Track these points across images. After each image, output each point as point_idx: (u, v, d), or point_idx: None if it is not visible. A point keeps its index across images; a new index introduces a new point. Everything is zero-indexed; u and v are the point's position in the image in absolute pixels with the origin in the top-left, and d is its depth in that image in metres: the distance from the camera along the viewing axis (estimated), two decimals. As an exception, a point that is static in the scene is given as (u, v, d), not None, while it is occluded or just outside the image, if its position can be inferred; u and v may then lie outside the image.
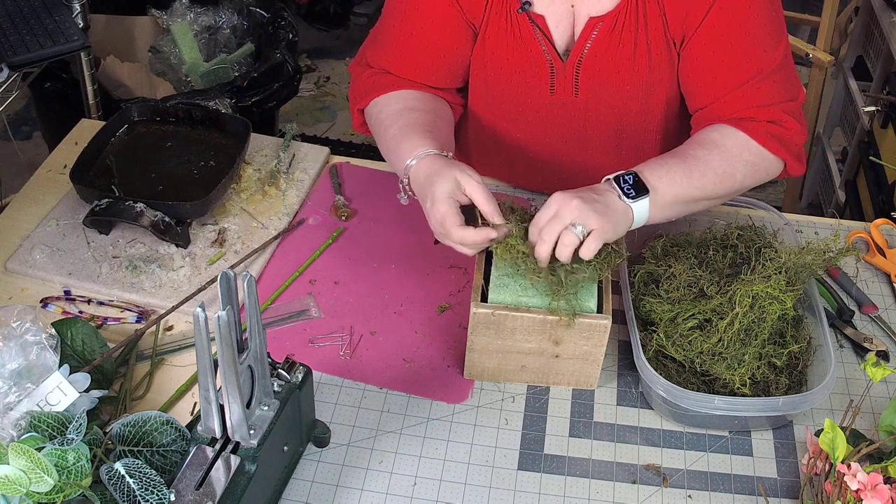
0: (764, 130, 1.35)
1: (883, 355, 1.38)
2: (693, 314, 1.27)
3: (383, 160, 1.67)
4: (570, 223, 1.18)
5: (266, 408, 1.08)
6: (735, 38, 1.33)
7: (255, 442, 1.05)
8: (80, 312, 1.38)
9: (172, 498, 1.01)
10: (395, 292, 1.44)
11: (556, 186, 1.58)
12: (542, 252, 1.19)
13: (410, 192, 1.31)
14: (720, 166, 1.32)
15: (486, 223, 1.23)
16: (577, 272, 1.22)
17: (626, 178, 1.25)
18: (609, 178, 1.26)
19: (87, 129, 1.70)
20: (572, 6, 1.38)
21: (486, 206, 1.22)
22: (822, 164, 2.92)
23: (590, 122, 1.48)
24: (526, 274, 1.23)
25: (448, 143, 1.37)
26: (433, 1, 1.40)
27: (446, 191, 1.22)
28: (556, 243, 1.19)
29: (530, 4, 1.38)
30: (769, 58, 1.34)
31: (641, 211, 1.25)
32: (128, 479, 1.01)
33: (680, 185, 1.28)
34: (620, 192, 1.24)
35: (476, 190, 1.22)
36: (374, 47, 1.49)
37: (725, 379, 1.25)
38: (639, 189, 1.25)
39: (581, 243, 1.18)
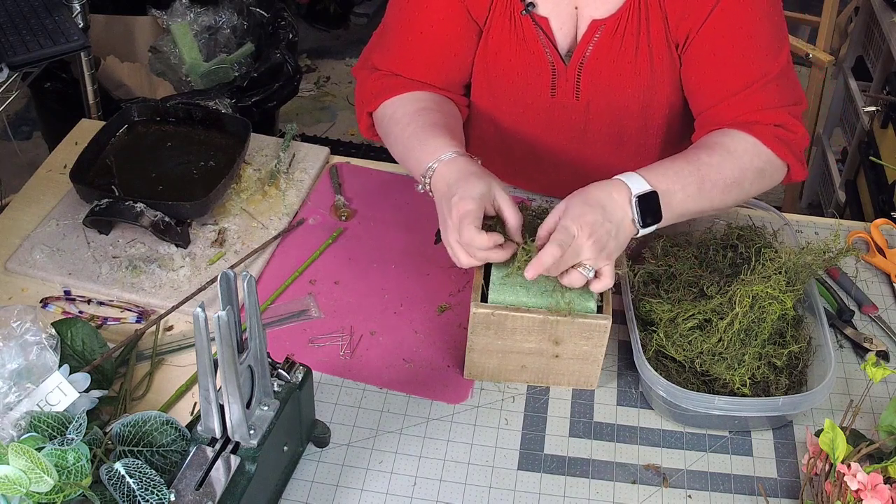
0: (771, 134, 1.34)
1: (883, 355, 1.38)
2: (693, 314, 1.27)
3: (383, 161, 1.68)
4: (583, 263, 1.19)
5: (266, 408, 1.08)
6: (738, 41, 1.33)
7: (255, 442, 1.05)
8: (80, 312, 1.38)
9: (172, 498, 1.01)
10: (395, 292, 1.44)
11: (556, 187, 1.59)
12: (542, 267, 1.18)
13: (429, 188, 1.29)
14: (731, 175, 1.30)
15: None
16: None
17: (647, 199, 1.23)
18: (631, 194, 1.22)
19: (87, 129, 1.70)
20: (576, 8, 1.38)
21: (514, 222, 1.22)
22: (822, 164, 2.92)
23: (590, 123, 1.47)
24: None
25: (463, 146, 1.37)
26: (440, 0, 1.40)
27: (480, 191, 1.21)
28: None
29: (534, 6, 1.38)
30: (772, 62, 1.34)
31: (644, 233, 1.25)
32: (128, 479, 1.01)
33: (691, 200, 1.27)
34: (637, 215, 1.22)
35: (508, 205, 1.23)
36: (381, 50, 1.48)
37: (725, 379, 1.25)
38: (653, 214, 1.23)
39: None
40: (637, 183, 1.23)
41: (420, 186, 1.31)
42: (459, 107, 1.51)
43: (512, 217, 1.23)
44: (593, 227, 1.18)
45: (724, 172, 1.30)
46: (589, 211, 1.19)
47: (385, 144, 1.44)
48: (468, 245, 1.20)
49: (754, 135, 1.33)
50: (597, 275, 1.21)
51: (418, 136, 1.35)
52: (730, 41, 1.33)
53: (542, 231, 1.21)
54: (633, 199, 1.22)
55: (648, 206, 1.23)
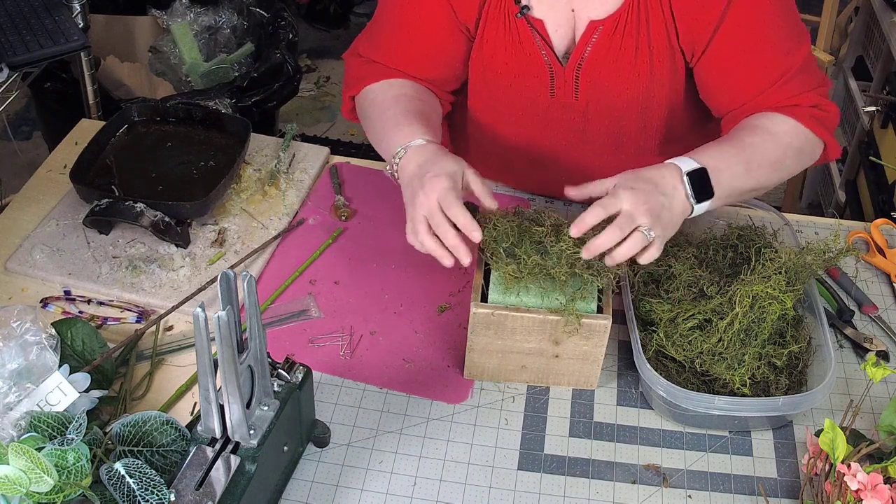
0: (808, 115, 1.37)
1: (883, 355, 1.38)
2: (693, 314, 1.27)
3: (383, 160, 1.68)
4: (641, 227, 1.17)
5: (266, 408, 1.08)
6: (760, 39, 1.34)
7: (255, 442, 1.05)
8: (80, 312, 1.38)
9: (172, 498, 1.01)
10: (395, 292, 1.44)
11: (555, 187, 1.59)
12: (604, 245, 1.16)
13: (397, 174, 1.31)
14: (773, 154, 1.33)
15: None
16: (601, 274, 1.22)
17: (698, 176, 1.24)
18: (682, 172, 1.23)
19: (87, 129, 1.70)
20: (573, 10, 1.38)
21: (485, 198, 1.24)
22: (823, 164, 2.91)
23: (590, 124, 1.47)
24: (535, 275, 1.22)
25: (439, 135, 1.38)
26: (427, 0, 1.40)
27: (453, 169, 1.23)
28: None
29: (529, 9, 1.38)
30: (795, 56, 1.36)
31: (700, 211, 1.26)
32: (128, 479, 1.01)
33: (739, 179, 1.29)
34: (689, 191, 1.23)
35: (476, 180, 1.25)
36: (368, 41, 1.50)
37: (725, 379, 1.25)
38: (705, 190, 1.24)
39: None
40: (685, 162, 1.25)
41: (388, 168, 1.32)
42: (441, 100, 1.51)
43: (481, 190, 1.25)
44: (647, 195, 1.19)
45: (767, 152, 1.32)
46: (641, 183, 1.21)
47: (363, 128, 1.46)
48: (454, 217, 1.19)
49: (794, 117, 1.36)
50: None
51: (395, 119, 1.36)
52: (751, 40, 1.34)
53: (592, 207, 1.19)
54: (685, 176, 1.24)
55: (700, 182, 1.24)
